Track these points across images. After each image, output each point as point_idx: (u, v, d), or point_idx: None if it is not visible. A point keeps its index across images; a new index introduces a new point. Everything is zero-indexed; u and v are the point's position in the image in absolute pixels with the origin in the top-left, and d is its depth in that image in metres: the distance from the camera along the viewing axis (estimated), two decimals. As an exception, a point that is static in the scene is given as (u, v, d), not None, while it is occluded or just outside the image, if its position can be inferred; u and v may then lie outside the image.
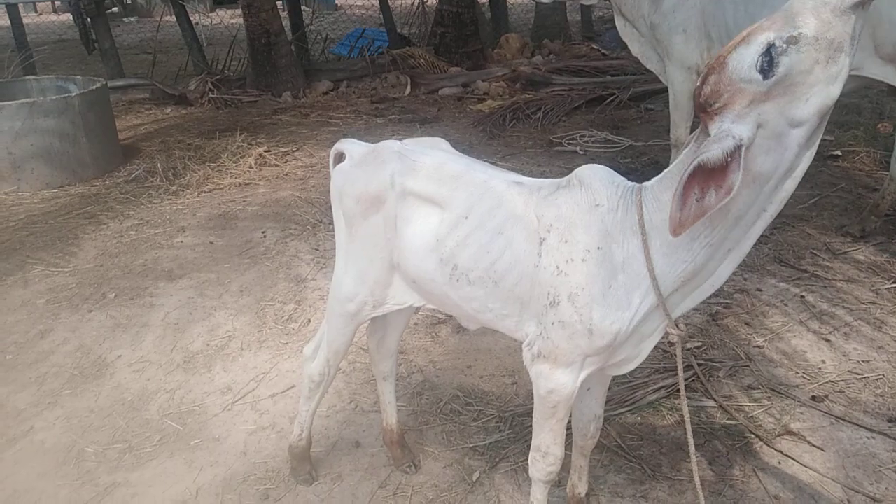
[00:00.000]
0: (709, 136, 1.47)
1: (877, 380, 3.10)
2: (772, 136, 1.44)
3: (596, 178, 1.77)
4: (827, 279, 3.93)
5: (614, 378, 3.08)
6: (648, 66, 5.07)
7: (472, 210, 1.88)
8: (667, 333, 1.82)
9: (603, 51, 10.50)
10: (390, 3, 11.08)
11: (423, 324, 3.63)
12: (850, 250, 4.25)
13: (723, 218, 1.55)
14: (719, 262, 1.67)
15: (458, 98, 8.71)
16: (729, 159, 1.40)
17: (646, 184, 1.72)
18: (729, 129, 1.42)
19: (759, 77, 1.38)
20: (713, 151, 1.40)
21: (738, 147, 1.40)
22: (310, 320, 3.70)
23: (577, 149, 6.52)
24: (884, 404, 2.95)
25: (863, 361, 3.22)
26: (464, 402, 3.02)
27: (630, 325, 1.74)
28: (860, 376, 3.12)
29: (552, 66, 9.42)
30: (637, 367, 3.17)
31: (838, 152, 5.77)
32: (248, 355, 3.45)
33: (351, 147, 2.18)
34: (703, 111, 1.47)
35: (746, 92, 1.41)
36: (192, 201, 5.53)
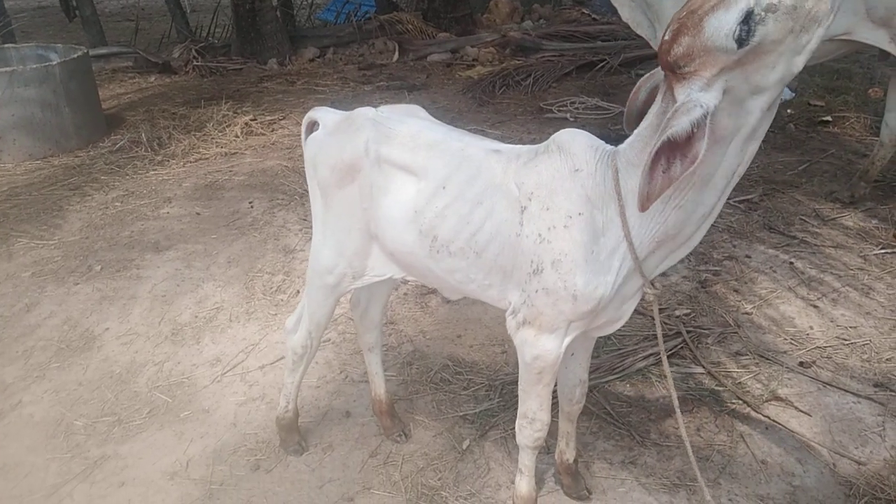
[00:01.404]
0: (673, 98, 1.45)
1: (864, 345, 3.12)
2: (734, 102, 1.43)
3: (574, 143, 1.76)
4: (816, 245, 3.94)
5: (603, 346, 3.12)
6: (639, 32, 4.99)
7: (449, 179, 1.85)
8: (644, 294, 1.83)
9: (593, 15, 10.37)
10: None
11: (413, 293, 3.62)
12: (840, 216, 4.26)
13: (690, 181, 1.55)
14: (696, 225, 1.67)
15: (446, 64, 8.59)
16: (695, 128, 1.38)
17: (619, 147, 1.71)
18: (697, 99, 1.39)
19: (735, 46, 1.35)
20: (681, 124, 1.38)
21: (705, 116, 1.38)
22: (298, 291, 3.68)
23: (568, 115, 6.47)
24: (870, 369, 2.97)
25: (850, 327, 3.24)
26: (454, 371, 3.03)
27: (612, 288, 1.75)
28: (847, 342, 3.15)
29: (542, 31, 9.29)
30: (626, 335, 3.22)
31: (828, 118, 5.74)
32: (236, 327, 3.43)
33: (324, 115, 2.14)
34: (671, 70, 1.44)
35: (719, 60, 1.38)
36: (178, 171, 5.45)
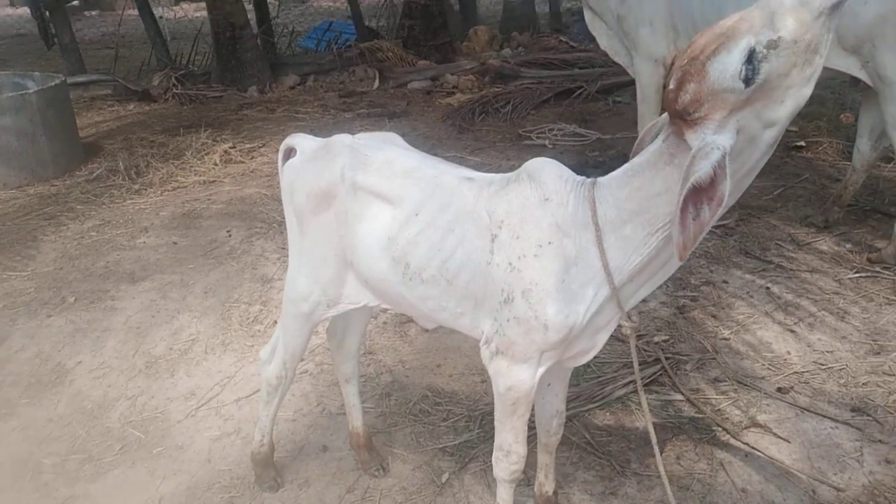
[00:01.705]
0: (680, 142, 1.45)
1: (840, 370, 3.13)
2: (747, 139, 1.43)
3: (544, 173, 1.76)
4: (791, 270, 3.97)
5: (582, 373, 3.11)
6: (616, 60, 5.08)
7: (422, 207, 1.86)
8: (619, 325, 1.83)
9: (571, 43, 10.51)
10: (357, -4, 10.98)
11: (392, 322, 3.60)
12: (814, 241, 4.30)
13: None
14: (671, 254, 1.65)
15: (426, 92, 8.66)
16: (717, 171, 1.38)
17: (599, 179, 1.71)
18: (713, 142, 1.38)
19: (742, 86, 1.35)
20: (703, 168, 1.37)
21: (724, 157, 1.38)
22: (275, 321, 3.64)
23: (546, 142, 6.52)
24: (847, 394, 2.98)
25: (826, 352, 3.26)
26: (433, 401, 3.00)
27: (584, 317, 1.74)
28: (824, 366, 3.16)
29: (521, 58, 9.39)
30: (605, 362, 3.21)
31: (802, 143, 5.83)
32: (212, 359, 3.38)
33: (301, 142, 2.14)
34: (681, 119, 1.43)
35: (728, 101, 1.38)
36: (155, 200, 5.41)
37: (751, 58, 1.33)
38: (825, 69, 4.40)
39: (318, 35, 10.69)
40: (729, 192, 1.51)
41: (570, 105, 7.73)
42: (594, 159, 5.99)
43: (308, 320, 2.21)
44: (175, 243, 4.63)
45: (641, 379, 3.04)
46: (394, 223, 1.90)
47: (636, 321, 1.82)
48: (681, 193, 1.40)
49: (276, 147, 6.55)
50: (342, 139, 2.05)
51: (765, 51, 1.32)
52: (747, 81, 1.34)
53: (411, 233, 1.86)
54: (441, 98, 8.33)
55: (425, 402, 2.99)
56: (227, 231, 4.77)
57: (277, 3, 13.19)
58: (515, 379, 1.82)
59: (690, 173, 1.39)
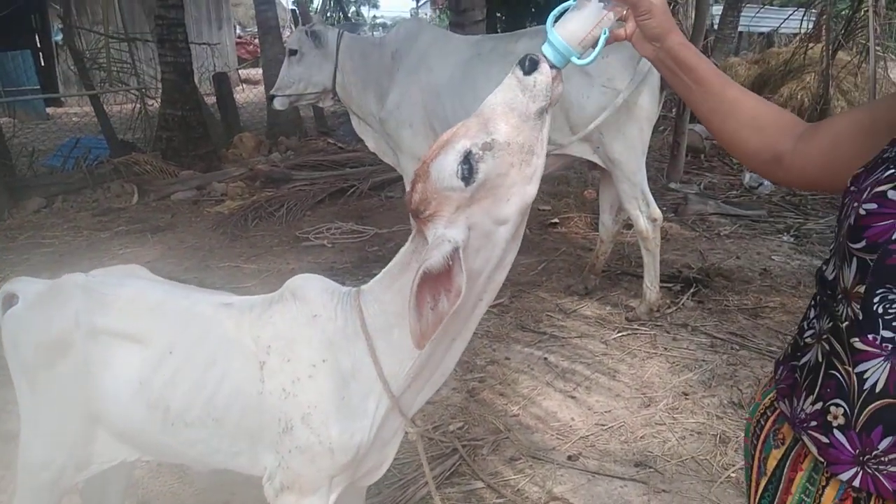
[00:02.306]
0: (426, 240, 1.48)
1: (619, 427, 3.34)
2: (482, 236, 1.48)
3: (308, 288, 1.70)
4: (563, 338, 4.24)
5: (384, 480, 2.96)
6: (384, 160, 5.26)
7: (176, 342, 1.69)
8: (406, 434, 1.77)
9: (339, 144, 10.77)
10: (108, 109, 10.37)
11: (167, 464, 3.20)
12: (579, 307, 4.66)
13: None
14: (445, 351, 1.66)
15: (193, 202, 8.26)
16: (451, 262, 1.40)
17: (363, 287, 1.68)
18: (443, 235, 1.42)
19: (462, 184, 1.40)
20: (434, 258, 1.40)
21: (456, 250, 1.41)
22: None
23: (325, 242, 6.47)
24: (629, 450, 3.17)
25: (605, 412, 3.47)
26: (222, 546, 2.67)
27: (370, 432, 1.66)
28: (605, 426, 3.35)
29: (291, 162, 9.40)
30: (405, 463, 3.11)
31: (556, 220, 6.41)
32: (-64, 550, 2.74)
33: (24, 286, 1.86)
34: (417, 217, 1.47)
35: (452, 198, 1.42)
36: None
37: (467, 158, 1.38)
38: (567, 156, 4.86)
39: (65, 153, 9.83)
40: (484, 287, 1.56)
41: (345, 203, 7.82)
42: (374, 254, 6.04)
43: (53, 490, 1.86)
44: None
45: (442, 473, 3.00)
46: (145, 365, 1.70)
47: (421, 425, 1.78)
48: (414, 280, 1.41)
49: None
50: (74, 278, 1.83)
51: (480, 152, 1.38)
52: (465, 180, 1.39)
53: (167, 373, 1.69)
54: (210, 207, 7.99)
55: (213, 549, 2.66)
56: (-45, 386, 4.02)
57: (13, 121, 12.03)
58: None
59: (423, 261, 1.42)
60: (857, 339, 1.02)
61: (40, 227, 7.50)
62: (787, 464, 1.19)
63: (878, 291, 1.00)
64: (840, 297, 1.08)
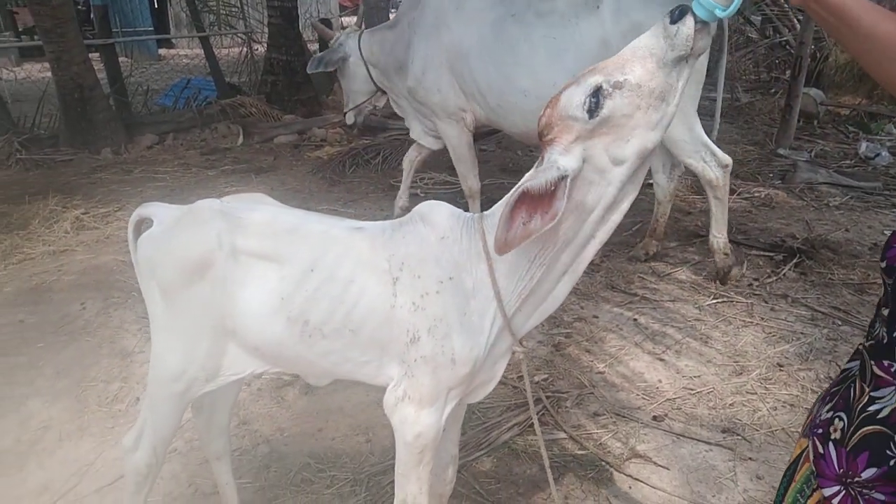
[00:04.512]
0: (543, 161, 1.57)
1: (708, 393, 3.30)
2: (596, 171, 1.55)
3: (436, 213, 1.82)
4: (655, 301, 4.19)
5: (468, 420, 3.07)
6: (430, 137, 5.34)
7: (317, 262, 1.81)
8: (514, 352, 1.89)
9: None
10: (216, 52, 10.74)
11: (268, 388, 3.42)
12: (673, 271, 4.57)
13: (553, 241, 1.65)
14: (555, 282, 1.75)
15: (294, 146, 8.53)
16: (553, 188, 1.50)
17: (485, 212, 1.79)
18: (555, 161, 1.52)
19: (585, 115, 1.48)
20: (538, 180, 1.50)
21: (563, 178, 1.50)
22: (138, 398, 3.36)
23: (419, 191, 6.58)
24: (717, 416, 3.14)
25: (694, 377, 3.43)
26: (315, 469, 2.85)
27: (486, 348, 1.79)
28: (693, 391, 3.32)
29: (388, 110, 9.50)
30: (489, 406, 3.20)
31: (652, 181, 6.23)
32: (67, 446, 3.05)
33: (158, 211, 2.00)
34: (540, 139, 1.58)
35: (573, 128, 1.51)
36: (-4, 276, 4.92)
37: (596, 92, 1.47)
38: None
39: (176, 93, 10.32)
40: (597, 226, 1.64)
41: (439, 154, 7.87)
42: (464, 205, 6.09)
43: (182, 400, 2.03)
44: (21, 321, 4.21)
45: (527, 420, 3.07)
46: (285, 283, 1.83)
47: (527, 346, 1.85)
48: (512, 194, 1.51)
49: (134, 210, 6.20)
50: (209, 204, 1.94)
51: (610, 89, 1.47)
52: (590, 112, 1.48)
53: (308, 289, 1.81)
54: (309, 152, 8.24)
55: (307, 471, 2.84)
56: (81, 304, 4.39)
57: (130, 61, 12.67)
58: (423, 424, 1.81)
59: (527, 180, 1.51)
60: (873, 363, 0.98)
61: (153, 162, 7.95)
62: (803, 455, 1.17)
63: None
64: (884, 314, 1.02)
